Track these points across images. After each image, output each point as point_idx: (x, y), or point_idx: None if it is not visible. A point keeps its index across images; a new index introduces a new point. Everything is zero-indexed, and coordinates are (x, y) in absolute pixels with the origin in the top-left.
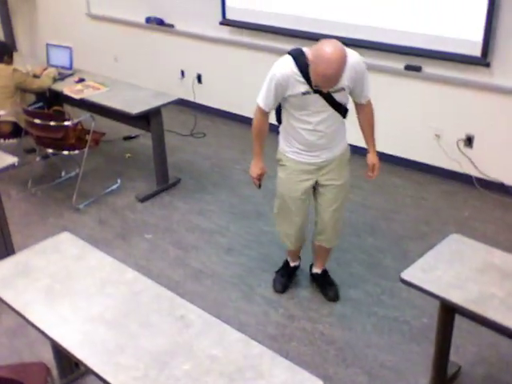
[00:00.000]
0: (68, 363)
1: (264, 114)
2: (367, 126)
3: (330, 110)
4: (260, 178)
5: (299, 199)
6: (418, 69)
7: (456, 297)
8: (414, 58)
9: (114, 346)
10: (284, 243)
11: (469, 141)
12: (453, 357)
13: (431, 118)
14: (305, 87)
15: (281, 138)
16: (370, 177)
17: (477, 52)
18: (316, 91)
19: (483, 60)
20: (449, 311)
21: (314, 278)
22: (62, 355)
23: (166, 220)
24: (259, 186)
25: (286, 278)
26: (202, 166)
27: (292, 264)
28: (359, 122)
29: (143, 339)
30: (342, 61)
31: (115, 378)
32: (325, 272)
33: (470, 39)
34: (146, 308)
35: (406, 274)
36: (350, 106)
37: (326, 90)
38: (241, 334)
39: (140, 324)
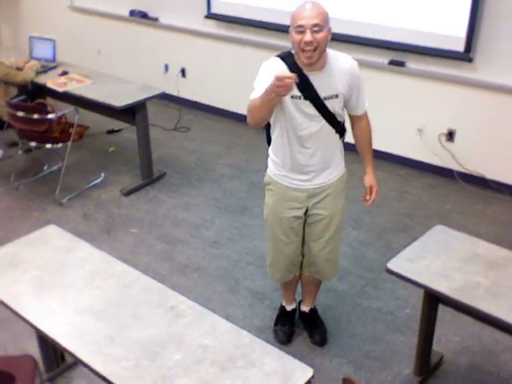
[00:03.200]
0: (54, 356)
1: None
2: (364, 142)
3: (322, 122)
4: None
5: (289, 228)
6: (401, 64)
7: (442, 286)
8: (398, 53)
9: (103, 337)
10: (273, 278)
11: (450, 135)
12: (435, 346)
13: (414, 112)
14: (295, 90)
15: (269, 160)
16: (367, 201)
17: (460, 47)
18: (306, 97)
19: (466, 55)
20: (433, 301)
21: (301, 316)
22: (48, 348)
23: (152, 214)
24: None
25: (289, 326)
26: (187, 160)
27: (289, 308)
28: (355, 138)
29: (133, 330)
30: (320, 5)
31: (106, 369)
32: (313, 312)
33: (453, 35)
34: (136, 300)
35: (392, 264)
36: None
37: (308, 25)
38: (231, 324)
39: (130, 315)
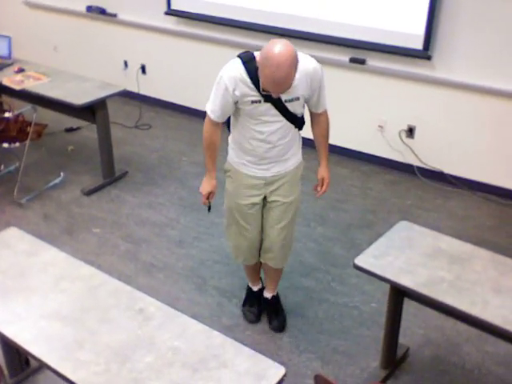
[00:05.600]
0: (18, 362)
1: (213, 124)
2: (321, 136)
3: (283, 121)
4: (210, 196)
5: (248, 213)
6: (362, 61)
7: (407, 281)
8: (359, 51)
9: (71, 341)
10: (236, 259)
11: (410, 131)
12: (401, 339)
13: (375, 109)
14: (255, 95)
15: (229, 147)
16: (318, 192)
17: (418, 45)
18: (267, 100)
19: (425, 53)
20: (399, 295)
21: (264, 302)
22: (12, 353)
23: (115, 214)
24: (209, 208)
25: (256, 306)
26: (149, 158)
27: (255, 288)
28: (313, 132)
29: (102, 334)
30: (292, 62)
31: (75, 374)
32: (274, 299)
33: (412, 33)
34: (104, 303)
35: (359, 260)
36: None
37: (276, 95)
38: (202, 325)
39: (98, 319)
